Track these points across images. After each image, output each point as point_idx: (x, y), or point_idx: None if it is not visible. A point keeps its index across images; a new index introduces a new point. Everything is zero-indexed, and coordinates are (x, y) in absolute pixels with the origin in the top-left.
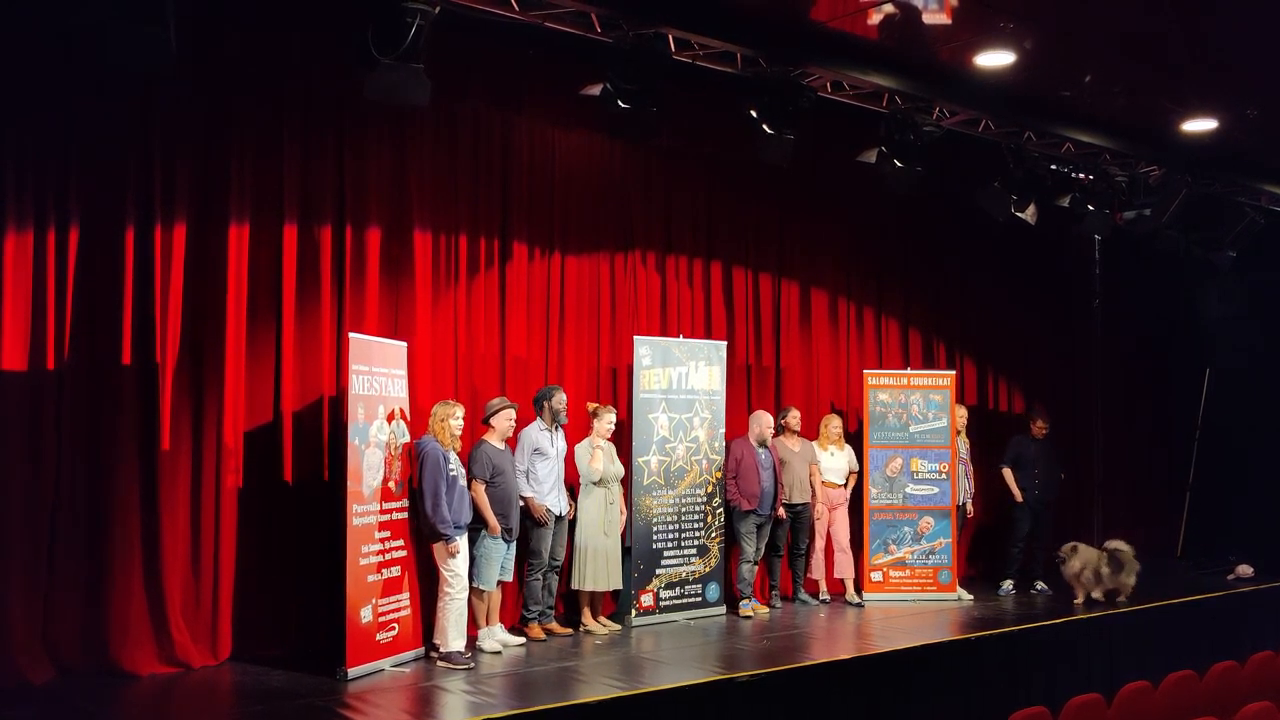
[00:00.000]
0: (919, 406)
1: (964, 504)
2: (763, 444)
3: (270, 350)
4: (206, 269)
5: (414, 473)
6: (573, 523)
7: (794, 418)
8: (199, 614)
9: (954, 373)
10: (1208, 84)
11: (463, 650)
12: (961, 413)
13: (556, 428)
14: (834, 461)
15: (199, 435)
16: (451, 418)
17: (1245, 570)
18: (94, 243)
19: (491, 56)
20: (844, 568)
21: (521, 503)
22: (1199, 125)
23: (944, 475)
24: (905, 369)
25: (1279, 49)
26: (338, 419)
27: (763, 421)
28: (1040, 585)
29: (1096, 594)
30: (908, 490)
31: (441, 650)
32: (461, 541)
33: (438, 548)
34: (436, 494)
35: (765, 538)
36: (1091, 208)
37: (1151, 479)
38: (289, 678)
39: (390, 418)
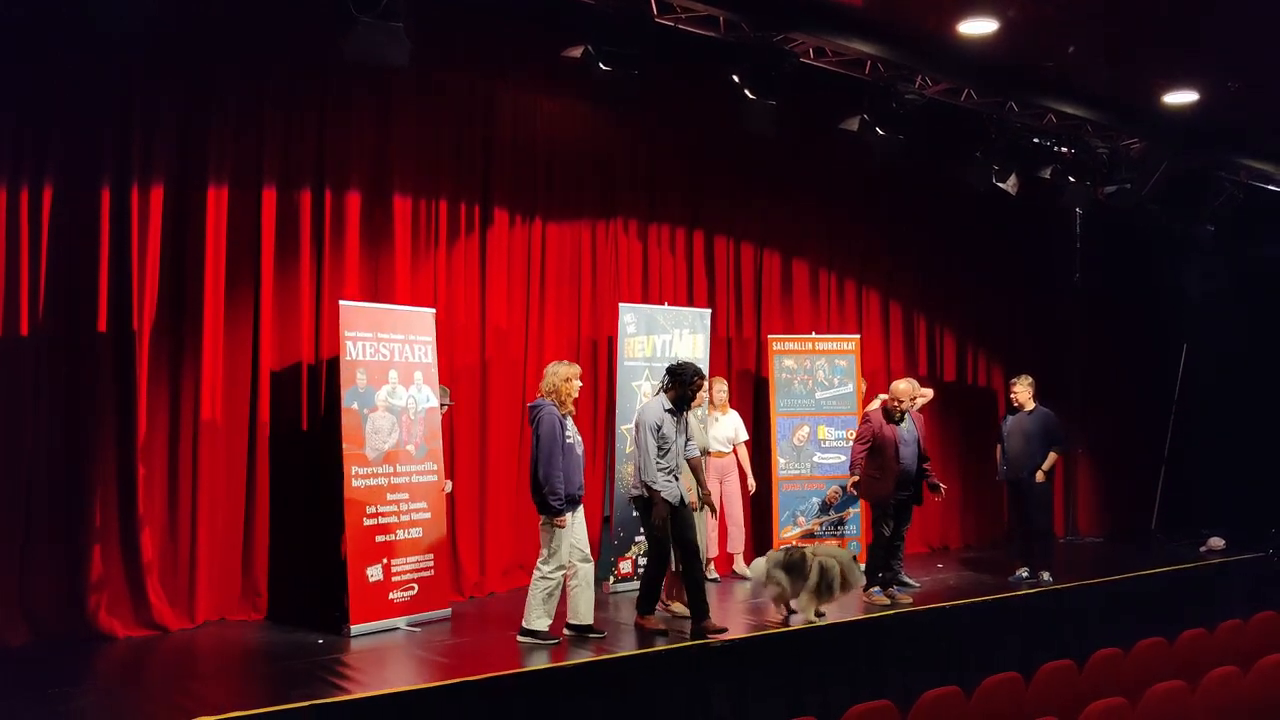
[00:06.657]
0: (824, 372)
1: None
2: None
3: (249, 315)
4: (185, 233)
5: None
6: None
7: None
8: (176, 577)
9: (859, 336)
10: (1189, 55)
11: (548, 630)
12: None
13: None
14: (718, 429)
15: (177, 400)
16: (575, 379)
17: (1217, 543)
18: (70, 205)
19: (475, 21)
20: (735, 542)
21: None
22: (1180, 98)
23: (851, 443)
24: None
25: (1259, 21)
26: (316, 383)
27: (903, 390)
28: (1046, 575)
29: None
30: (815, 459)
31: (525, 626)
32: (571, 516)
33: (541, 522)
34: (551, 462)
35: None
36: (1072, 179)
37: (1129, 453)
38: (266, 639)
39: (409, 382)
